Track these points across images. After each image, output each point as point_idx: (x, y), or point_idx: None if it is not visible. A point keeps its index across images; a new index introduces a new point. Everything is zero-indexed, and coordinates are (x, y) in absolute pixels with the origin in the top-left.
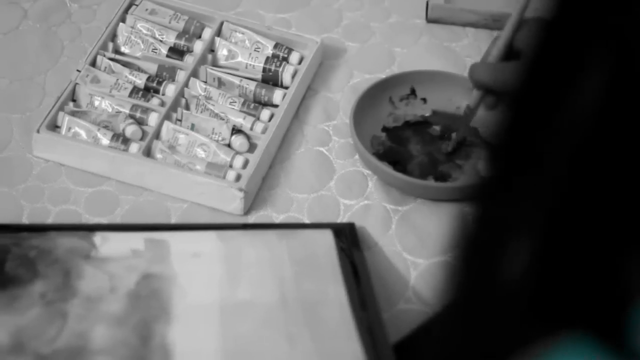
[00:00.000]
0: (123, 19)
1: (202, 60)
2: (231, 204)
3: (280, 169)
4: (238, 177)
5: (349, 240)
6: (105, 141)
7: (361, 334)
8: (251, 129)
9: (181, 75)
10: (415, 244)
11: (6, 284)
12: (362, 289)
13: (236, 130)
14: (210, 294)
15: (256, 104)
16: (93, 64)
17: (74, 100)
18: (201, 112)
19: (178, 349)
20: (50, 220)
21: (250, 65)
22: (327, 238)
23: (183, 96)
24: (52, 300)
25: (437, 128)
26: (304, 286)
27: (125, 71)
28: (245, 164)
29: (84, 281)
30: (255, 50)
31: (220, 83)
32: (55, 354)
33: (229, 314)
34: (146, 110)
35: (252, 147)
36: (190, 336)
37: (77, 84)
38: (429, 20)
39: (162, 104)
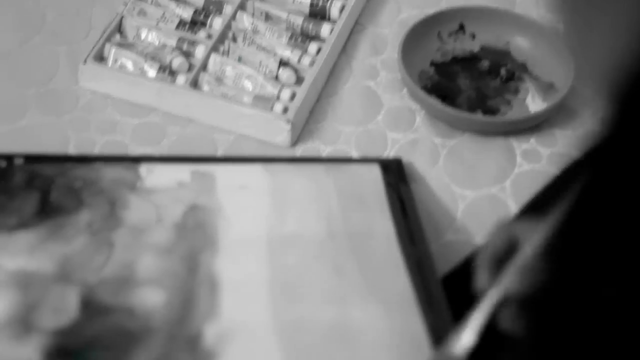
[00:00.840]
0: None
1: None
2: (278, 136)
3: (328, 103)
4: (285, 109)
5: (396, 175)
6: (152, 73)
7: (409, 267)
8: (299, 62)
9: (228, 9)
10: (463, 176)
11: (50, 213)
12: (410, 223)
13: (283, 63)
14: (257, 226)
15: (304, 38)
16: None
17: (120, 33)
18: (248, 45)
19: (225, 280)
20: (96, 150)
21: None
22: (374, 173)
23: (230, 29)
24: (99, 229)
25: (485, 63)
26: (351, 220)
27: (172, 4)
28: (293, 96)
29: (130, 211)
30: None
31: (268, 17)
32: (102, 283)
33: (276, 245)
34: (193, 43)
35: (299, 81)
36: (237, 267)
37: (123, 16)
38: None
39: (209, 37)
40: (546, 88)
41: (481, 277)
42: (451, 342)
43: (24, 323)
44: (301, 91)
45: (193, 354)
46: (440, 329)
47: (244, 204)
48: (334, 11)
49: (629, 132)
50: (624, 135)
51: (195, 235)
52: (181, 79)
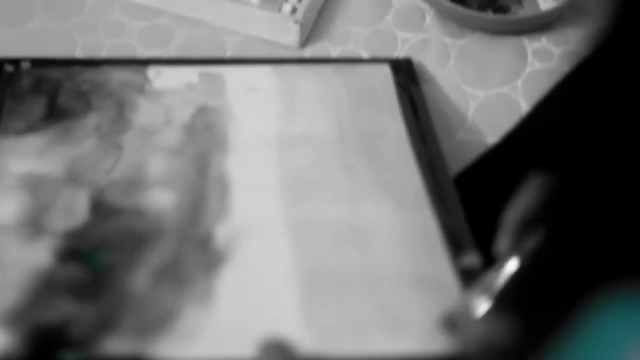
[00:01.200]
0: None
1: None
2: (287, 37)
3: (336, 3)
4: (294, 10)
5: (406, 75)
6: None
7: (421, 166)
8: None
9: None
10: (474, 76)
11: (59, 117)
12: (421, 123)
13: None
14: (267, 127)
15: None
16: None
17: None
18: None
19: (235, 180)
20: (103, 53)
21: None
22: (384, 72)
23: None
24: (107, 132)
25: None
26: (361, 119)
27: None
28: None
29: (139, 114)
30: None
31: None
32: (111, 185)
33: (286, 146)
34: None
35: None
36: (247, 167)
37: None
38: None
39: None
40: None
41: (503, 241)
42: (466, 300)
43: (34, 225)
44: None
45: (204, 254)
46: (452, 227)
47: (253, 105)
48: None
49: (629, 28)
50: (624, 31)
51: (204, 136)
52: None
